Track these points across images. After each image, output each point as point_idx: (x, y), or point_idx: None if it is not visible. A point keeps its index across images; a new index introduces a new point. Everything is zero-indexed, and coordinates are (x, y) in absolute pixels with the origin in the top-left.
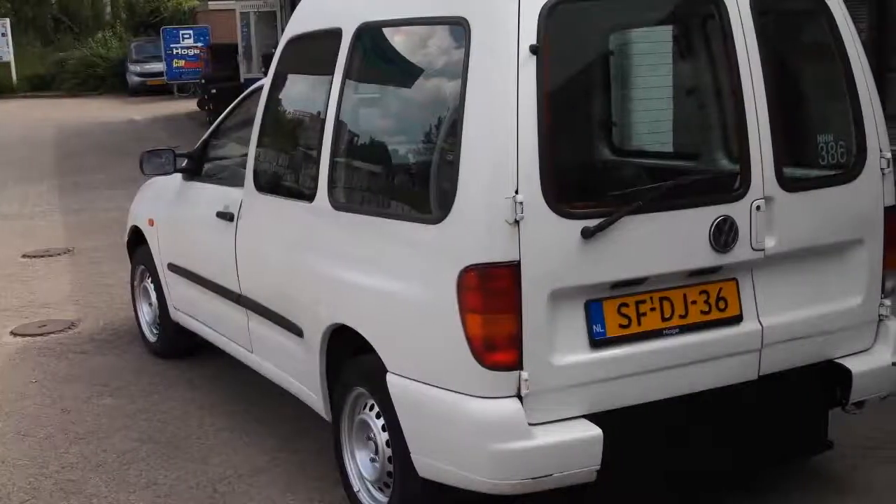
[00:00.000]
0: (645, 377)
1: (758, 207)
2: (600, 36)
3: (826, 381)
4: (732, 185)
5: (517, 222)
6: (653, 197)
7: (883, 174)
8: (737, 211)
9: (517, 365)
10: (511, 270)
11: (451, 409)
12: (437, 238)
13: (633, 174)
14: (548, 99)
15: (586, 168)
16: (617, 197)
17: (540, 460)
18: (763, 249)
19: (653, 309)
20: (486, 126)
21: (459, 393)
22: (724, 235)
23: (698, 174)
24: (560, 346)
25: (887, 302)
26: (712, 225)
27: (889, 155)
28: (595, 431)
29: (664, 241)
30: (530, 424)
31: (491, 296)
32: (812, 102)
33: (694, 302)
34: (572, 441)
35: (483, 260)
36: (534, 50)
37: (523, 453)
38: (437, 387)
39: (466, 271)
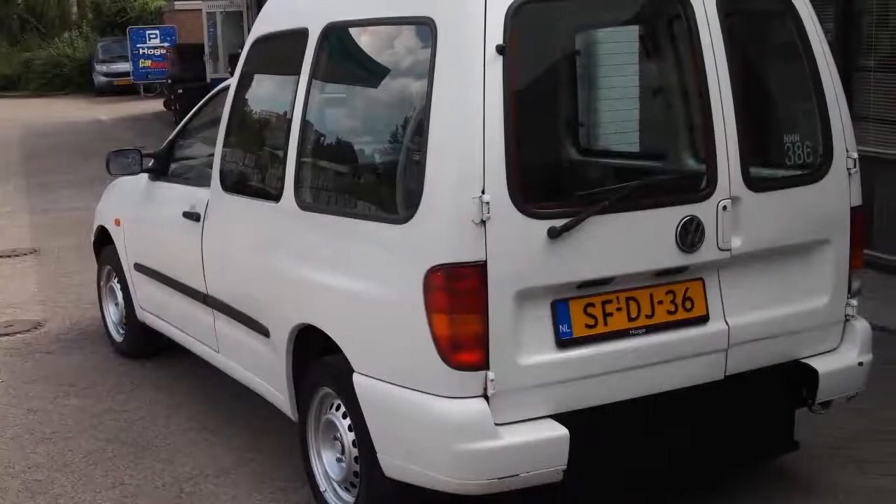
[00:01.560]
0: (611, 377)
1: (724, 207)
2: (567, 36)
3: (792, 381)
4: (699, 185)
5: (483, 222)
6: (619, 197)
7: (849, 174)
8: (703, 211)
9: (483, 365)
10: (477, 270)
11: (418, 409)
12: (404, 238)
13: (599, 174)
14: (514, 99)
15: (553, 168)
16: (583, 197)
17: (506, 460)
18: (729, 249)
19: (619, 309)
20: (452, 126)
21: (426, 393)
22: (690, 235)
23: (665, 174)
24: (526, 347)
25: (854, 302)
26: (679, 225)
27: (856, 155)
28: (561, 431)
29: (631, 241)
30: (497, 424)
31: (457, 296)
32: (778, 102)
33: (660, 302)
34: (539, 441)
35: (449, 260)
36: (500, 50)
37: (489, 453)
38: (403, 387)
39: (433, 271)
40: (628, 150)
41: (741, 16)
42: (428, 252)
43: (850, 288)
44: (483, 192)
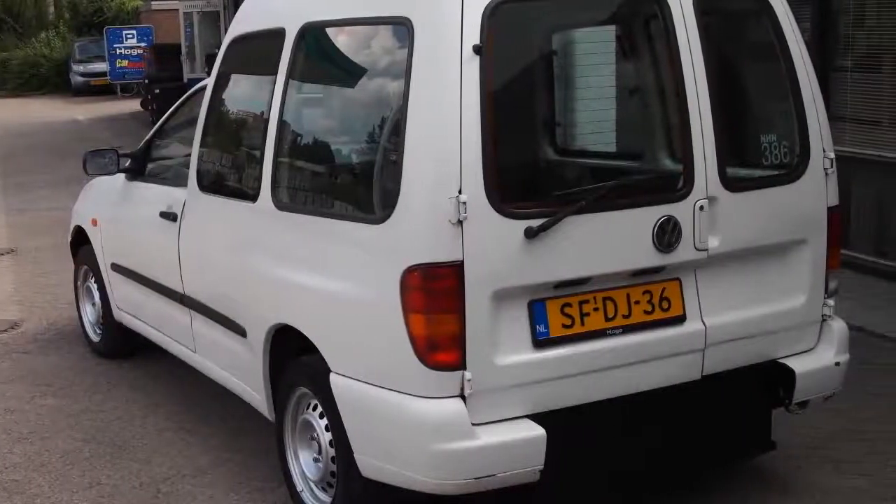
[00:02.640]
0: (588, 377)
1: (701, 207)
2: (544, 36)
3: (769, 381)
4: (676, 186)
5: (460, 222)
6: (596, 197)
7: (826, 174)
8: (680, 211)
9: (460, 365)
10: (454, 270)
11: (395, 409)
12: (381, 238)
13: (576, 174)
14: (491, 99)
15: (530, 168)
16: (560, 197)
17: (483, 460)
18: (706, 249)
19: (596, 309)
20: (429, 126)
21: (402, 393)
22: (667, 235)
23: (642, 174)
24: (503, 347)
25: (831, 302)
26: (656, 225)
27: (832, 155)
28: (538, 431)
29: (608, 242)
30: (474, 424)
31: (434, 296)
32: (755, 103)
33: (637, 302)
34: (516, 441)
35: (426, 260)
36: (477, 50)
37: (466, 453)
38: (380, 387)
39: (409, 271)
40: (605, 151)
41: (718, 15)
42: (405, 252)
43: (828, 288)
44: (460, 192)
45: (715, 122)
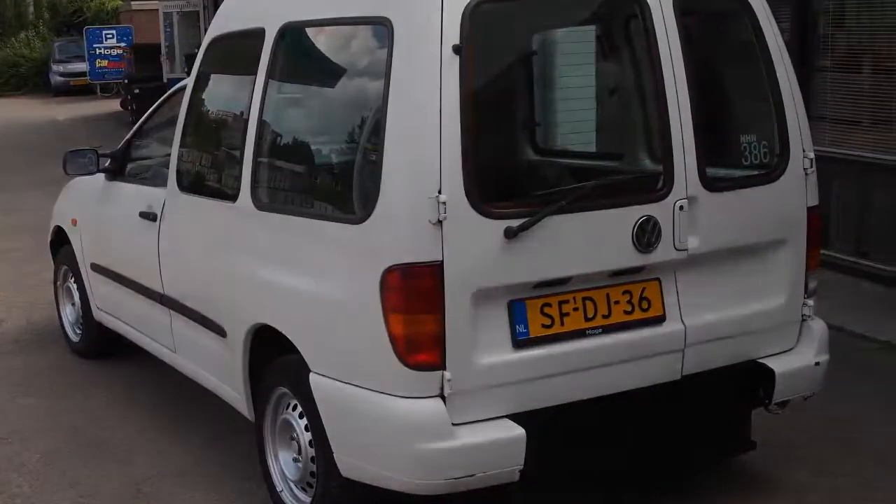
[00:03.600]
0: (568, 377)
1: (681, 207)
2: (524, 36)
3: (749, 381)
4: (655, 185)
5: (440, 222)
6: (576, 197)
7: (806, 174)
8: (660, 211)
9: (440, 365)
10: (434, 270)
11: (374, 409)
12: (360, 238)
13: (556, 174)
14: (471, 99)
15: (509, 168)
16: (540, 197)
17: (463, 460)
18: (686, 249)
19: (576, 309)
20: (408, 126)
21: (382, 393)
22: (647, 235)
23: (622, 174)
24: (483, 347)
25: (811, 302)
26: (635, 225)
27: (812, 155)
28: (518, 431)
29: (587, 241)
30: (454, 424)
31: (413, 296)
32: (735, 103)
33: (617, 302)
34: (495, 441)
35: (406, 260)
36: (457, 50)
37: (446, 453)
38: (360, 387)
39: (389, 271)
40: (585, 151)
41: (697, 15)
42: (384, 252)
43: (807, 288)
44: (440, 192)
45: (695, 122)
